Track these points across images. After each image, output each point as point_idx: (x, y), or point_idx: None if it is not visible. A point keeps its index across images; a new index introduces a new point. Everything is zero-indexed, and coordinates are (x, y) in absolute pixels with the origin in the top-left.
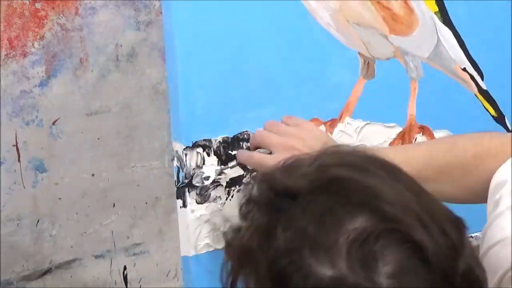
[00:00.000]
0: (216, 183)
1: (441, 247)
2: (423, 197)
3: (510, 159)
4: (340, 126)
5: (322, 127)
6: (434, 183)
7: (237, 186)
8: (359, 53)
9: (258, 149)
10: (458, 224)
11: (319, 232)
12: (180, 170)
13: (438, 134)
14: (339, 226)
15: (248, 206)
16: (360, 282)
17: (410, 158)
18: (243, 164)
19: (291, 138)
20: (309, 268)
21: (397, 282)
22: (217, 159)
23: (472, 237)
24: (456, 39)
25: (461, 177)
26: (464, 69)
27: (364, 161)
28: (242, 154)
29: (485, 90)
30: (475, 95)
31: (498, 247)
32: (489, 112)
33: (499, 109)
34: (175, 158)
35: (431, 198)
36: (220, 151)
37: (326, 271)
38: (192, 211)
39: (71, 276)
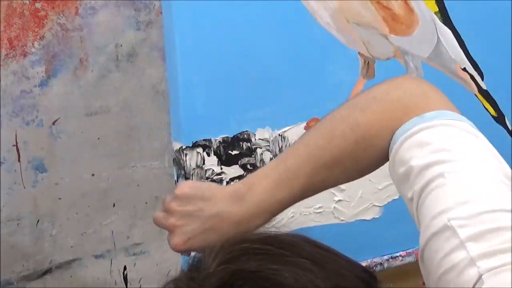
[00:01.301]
0: (216, 183)
1: None
2: (329, 266)
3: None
4: None
5: None
6: (329, 180)
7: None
8: (359, 53)
9: None
10: (370, 283)
11: None
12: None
13: None
14: None
15: None
16: None
17: (295, 172)
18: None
19: (168, 217)
20: None
21: None
22: (217, 159)
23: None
24: (456, 39)
25: (352, 165)
26: (464, 69)
27: (264, 244)
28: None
29: (485, 90)
30: (475, 95)
31: (451, 275)
32: (489, 112)
33: (499, 109)
34: (174, 162)
35: (338, 261)
36: (220, 151)
37: None
38: None
39: (71, 276)
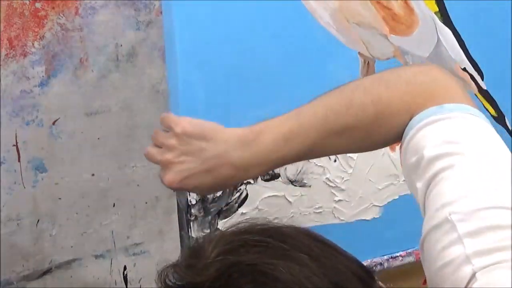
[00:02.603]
0: None
1: None
2: (325, 260)
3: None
4: None
5: None
6: (336, 146)
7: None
8: (359, 53)
9: None
10: (366, 280)
11: None
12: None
13: None
14: None
15: None
16: None
17: (307, 129)
18: None
19: (165, 152)
20: None
21: None
22: None
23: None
24: (456, 39)
25: (364, 137)
26: (464, 69)
27: (262, 238)
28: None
29: (485, 90)
30: (475, 94)
31: (447, 271)
32: (489, 112)
33: (499, 109)
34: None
35: (337, 256)
36: None
37: None
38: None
39: (71, 276)
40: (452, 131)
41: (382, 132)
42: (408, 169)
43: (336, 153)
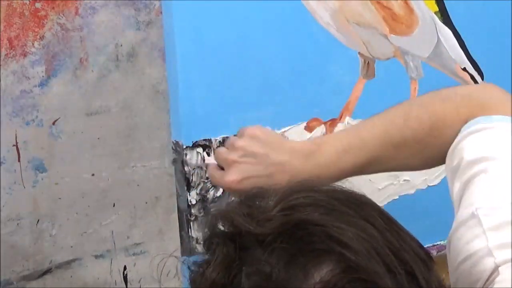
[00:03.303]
0: None
1: None
2: (390, 234)
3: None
4: (340, 126)
5: (322, 127)
6: (393, 160)
7: None
8: (359, 53)
9: None
10: (426, 261)
11: (284, 280)
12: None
13: None
14: (304, 275)
15: (212, 239)
16: None
17: (366, 142)
18: None
19: (231, 152)
20: None
21: None
22: None
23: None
24: (456, 39)
25: (420, 150)
26: (464, 69)
27: (329, 199)
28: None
29: None
30: None
31: (469, 263)
32: None
33: None
34: (173, 161)
35: (399, 232)
36: None
37: None
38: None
39: (71, 276)
40: (493, 138)
41: (438, 144)
42: (451, 171)
43: (394, 168)
